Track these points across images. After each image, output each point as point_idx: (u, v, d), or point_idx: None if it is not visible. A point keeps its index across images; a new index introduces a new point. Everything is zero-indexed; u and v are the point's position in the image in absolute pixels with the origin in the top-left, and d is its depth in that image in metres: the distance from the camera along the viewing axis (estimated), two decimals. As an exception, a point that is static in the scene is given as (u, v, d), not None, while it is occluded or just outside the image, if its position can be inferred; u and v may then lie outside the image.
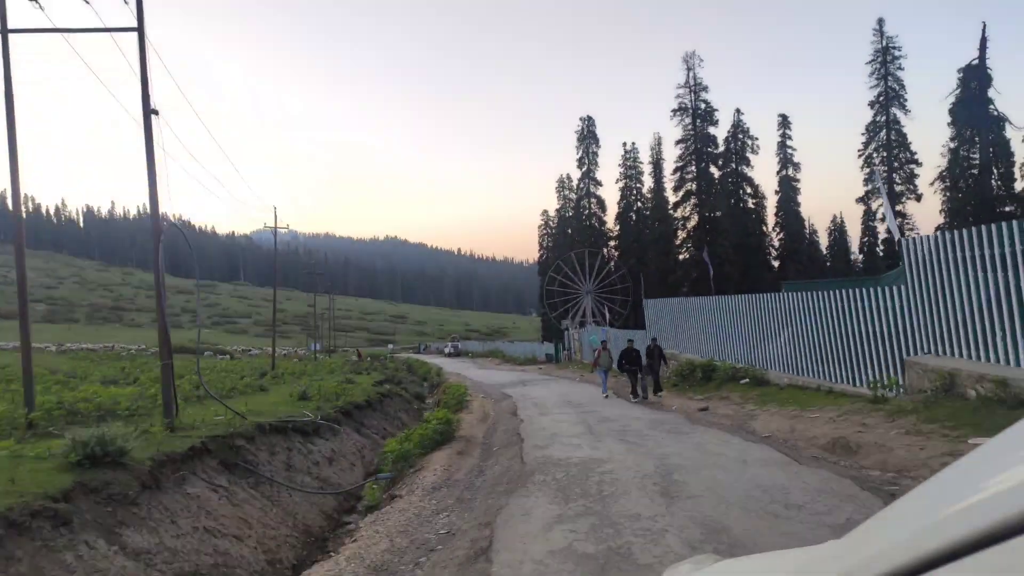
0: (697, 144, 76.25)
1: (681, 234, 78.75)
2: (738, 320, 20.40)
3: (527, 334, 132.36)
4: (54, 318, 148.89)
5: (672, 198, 78.98)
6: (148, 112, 10.96)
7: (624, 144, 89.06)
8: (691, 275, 74.93)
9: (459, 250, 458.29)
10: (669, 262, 79.72)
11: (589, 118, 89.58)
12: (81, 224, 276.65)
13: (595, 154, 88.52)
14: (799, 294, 16.14)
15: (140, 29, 10.71)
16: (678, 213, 78.24)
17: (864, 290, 13.42)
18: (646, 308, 29.30)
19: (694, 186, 76.60)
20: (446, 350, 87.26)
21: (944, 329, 11.32)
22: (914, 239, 11.51)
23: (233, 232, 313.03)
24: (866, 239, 78.42)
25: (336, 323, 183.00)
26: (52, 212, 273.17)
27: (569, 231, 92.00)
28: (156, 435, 10.49)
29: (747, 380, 18.20)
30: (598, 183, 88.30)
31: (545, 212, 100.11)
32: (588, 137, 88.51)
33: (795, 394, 15.07)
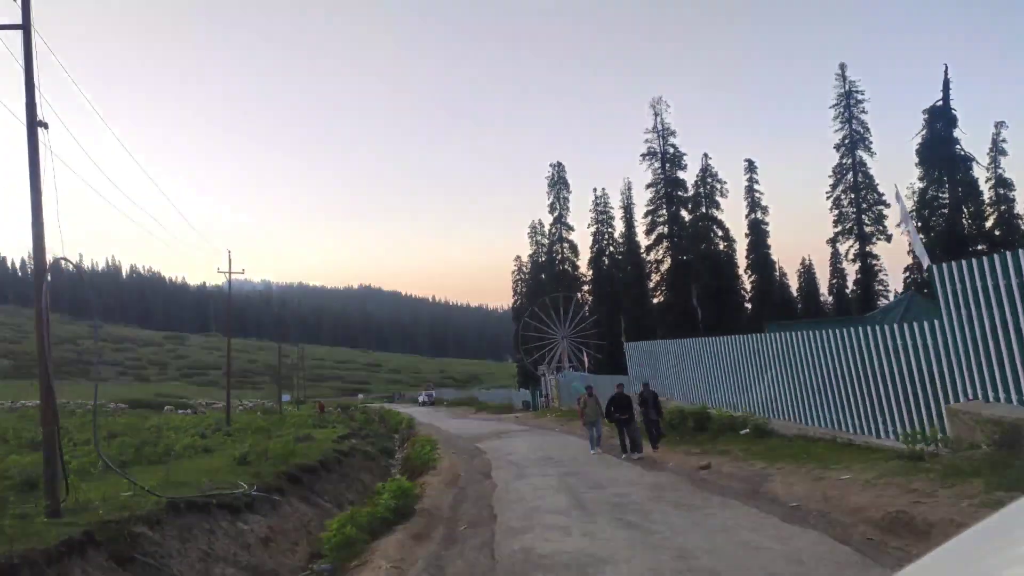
0: (667, 188, 76.06)
1: (655, 277, 78.05)
2: (732, 364, 18.57)
3: (503, 380, 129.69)
4: (17, 373, 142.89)
5: (644, 241, 78.44)
6: (33, 123, 9.02)
7: (595, 189, 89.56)
8: (666, 319, 73.96)
9: (433, 297, 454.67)
10: (643, 306, 78.94)
11: (559, 164, 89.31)
12: (48, 277, 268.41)
13: (566, 199, 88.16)
14: (807, 333, 14.38)
15: (26, 26, 8.86)
16: (651, 256, 77.65)
17: (887, 328, 11.70)
18: (628, 352, 27.46)
19: (666, 229, 76.19)
20: (420, 399, 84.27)
21: (994, 371, 9.61)
22: (950, 265, 9.86)
23: (204, 283, 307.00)
24: (835, 281, 78.54)
25: (309, 372, 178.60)
26: (18, 265, 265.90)
27: (543, 276, 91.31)
28: (31, 523, 8.24)
29: (747, 430, 16.27)
30: (570, 228, 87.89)
31: (518, 258, 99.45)
32: (559, 182, 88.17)
33: (808, 447, 13.16)
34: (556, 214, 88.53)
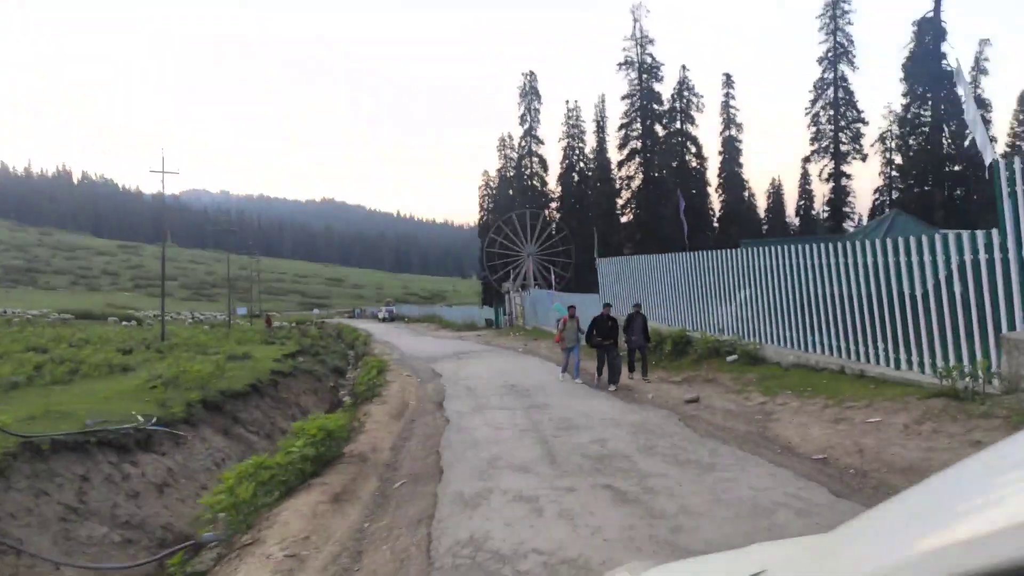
0: (643, 100, 72.93)
1: (625, 194, 75.74)
2: (717, 281, 16.58)
3: (467, 298, 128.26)
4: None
5: (616, 156, 75.57)
6: None
7: (567, 102, 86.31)
8: (635, 236, 72.28)
9: (399, 213, 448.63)
10: (612, 224, 77.10)
11: (532, 73, 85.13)
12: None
13: (537, 111, 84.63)
14: (816, 246, 12.34)
15: None
16: (622, 172, 75.02)
17: (924, 240, 9.66)
18: (600, 267, 25.37)
19: (639, 144, 73.47)
20: (380, 315, 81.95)
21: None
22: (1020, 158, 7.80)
23: (160, 191, 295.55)
24: (802, 202, 77.56)
25: (269, 286, 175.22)
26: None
27: (510, 192, 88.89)
28: None
29: (735, 356, 14.46)
30: (540, 141, 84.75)
31: (486, 172, 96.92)
32: (530, 93, 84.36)
33: (810, 378, 11.35)
34: (526, 127, 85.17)
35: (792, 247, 13.12)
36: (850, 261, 11.20)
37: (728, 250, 16.35)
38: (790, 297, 13.34)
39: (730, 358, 14.54)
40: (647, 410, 10.84)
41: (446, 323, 57.02)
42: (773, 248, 13.99)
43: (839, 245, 11.60)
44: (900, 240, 10.12)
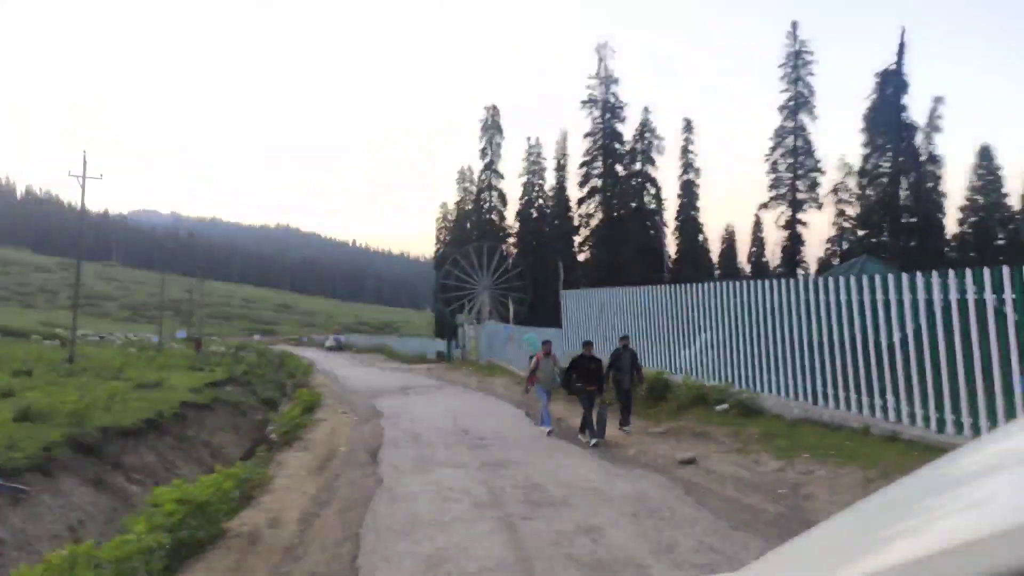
0: (605, 139, 72.33)
1: (584, 232, 74.59)
2: (706, 320, 14.62)
3: (420, 330, 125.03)
4: None
5: (577, 194, 74.44)
6: None
7: (528, 139, 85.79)
8: (593, 274, 70.92)
9: (354, 242, 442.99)
10: (570, 260, 75.78)
11: (494, 107, 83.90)
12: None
13: (499, 145, 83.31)
14: (837, 280, 10.44)
15: None
16: (582, 209, 73.85)
17: (986, 273, 7.80)
18: (564, 300, 23.31)
19: (600, 183, 72.66)
20: (327, 343, 78.33)
21: None
22: None
23: (106, 210, 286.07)
24: (754, 249, 77.97)
25: (216, 310, 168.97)
26: None
27: (468, 225, 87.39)
28: None
29: (726, 406, 12.42)
30: (500, 176, 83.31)
31: (444, 205, 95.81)
32: (492, 127, 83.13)
33: (827, 438, 9.33)
34: (487, 160, 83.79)
35: (805, 281, 11.21)
36: (882, 297, 9.30)
37: (717, 283, 14.44)
38: (796, 339, 11.39)
39: (720, 407, 12.49)
40: (637, 476, 8.54)
41: (396, 355, 54.25)
42: (777, 282, 12.09)
43: (872, 279, 9.70)
44: (971, 272, 8.20)
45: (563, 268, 71.27)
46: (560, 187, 79.13)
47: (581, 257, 75.25)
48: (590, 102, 72.06)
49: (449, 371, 31.20)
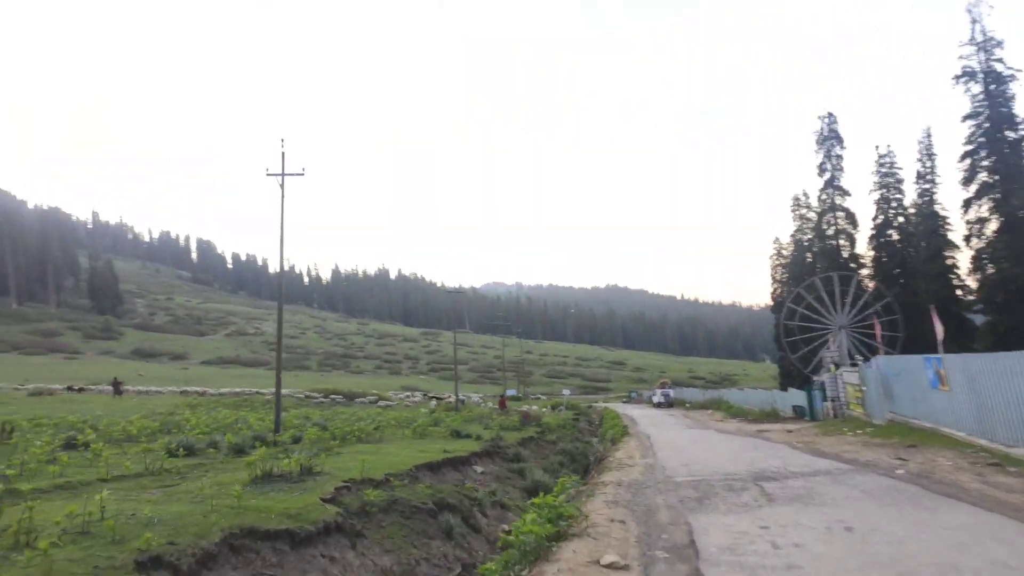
0: (993, 120, 55.56)
1: (975, 243, 57.33)
2: None
3: (759, 382, 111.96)
4: (287, 365, 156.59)
5: (962, 194, 57.78)
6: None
7: (877, 148, 71.53)
8: (994, 298, 53.69)
9: (682, 295, 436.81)
10: (947, 288, 59.16)
11: (830, 115, 72.07)
12: (327, 281, 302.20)
13: (839, 157, 70.97)
14: None
15: None
16: (970, 214, 56.95)
17: None
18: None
19: (991, 177, 55.63)
20: (655, 399, 71.43)
21: None
22: None
23: (460, 285, 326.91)
24: None
25: (551, 369, 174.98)
26: (304, 272, 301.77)
27: (808, 257, 75.90)
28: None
29: None
30: (845, 193, 70.59)
31: (777, 240, 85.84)
32: (830, 138, 71.22)
33: None
34: (826, 177, 72.04)
35: None
36: None
37: None
38: None
39: None
40: None
41: (735, 410, 45.11)
42: None
43: None
44: None
45: (944, 298, 55.74)
46: (926, 198, 63.53)
47: (972, 280, 58.14)
48: (965, 75, 56.35)
49: (822, 436, 21.40)
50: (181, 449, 13.73)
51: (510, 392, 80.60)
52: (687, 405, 61.42)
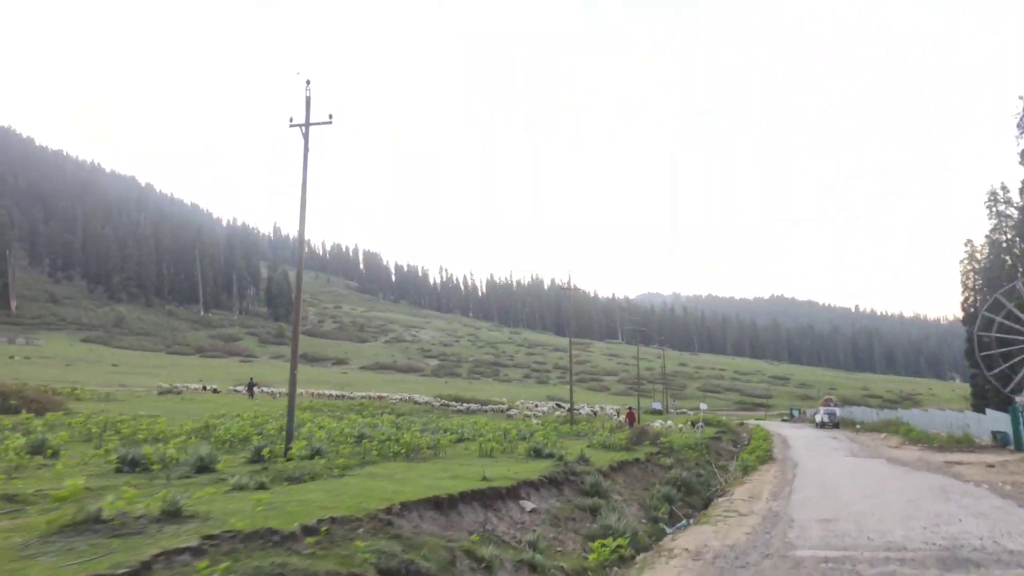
0: None
1: None
2: None
3: (946, 403, 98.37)
4: (439, 372, 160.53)
5: None
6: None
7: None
8: None
9: (857, 307, 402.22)
10: None
11: (1036, 91, 61.50)
12: (483, 291, 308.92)
13: (1050, 142, 60.33)
14: None
15: None
16: None
17: None
18: None
19: None
20: (817, 417, 63.93)
21: None
22: None
23: (613, 295, 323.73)
24: None
25: (706, 383, 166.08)
26: (461, 281, 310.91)
27: (1008, 260, 65.71)
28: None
29: None
30: (1056, 181, 59.97)
31: (969, 242, 75.21)
32: (1038, 120, 60.79)
33: None
34: (1033, 166, 61.61)
35: None
36: None
37: None
38: None
39: None
40: None
41: (917, 434, 38.46)
42: None
43: None
44: None
45: None
46: None
47: None
48: None
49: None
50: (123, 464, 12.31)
51: (655, 405, 76.00)
52: (857, 427, 54.14)
